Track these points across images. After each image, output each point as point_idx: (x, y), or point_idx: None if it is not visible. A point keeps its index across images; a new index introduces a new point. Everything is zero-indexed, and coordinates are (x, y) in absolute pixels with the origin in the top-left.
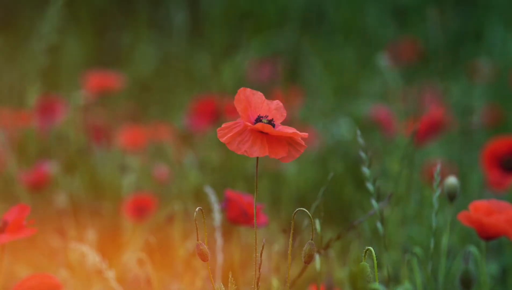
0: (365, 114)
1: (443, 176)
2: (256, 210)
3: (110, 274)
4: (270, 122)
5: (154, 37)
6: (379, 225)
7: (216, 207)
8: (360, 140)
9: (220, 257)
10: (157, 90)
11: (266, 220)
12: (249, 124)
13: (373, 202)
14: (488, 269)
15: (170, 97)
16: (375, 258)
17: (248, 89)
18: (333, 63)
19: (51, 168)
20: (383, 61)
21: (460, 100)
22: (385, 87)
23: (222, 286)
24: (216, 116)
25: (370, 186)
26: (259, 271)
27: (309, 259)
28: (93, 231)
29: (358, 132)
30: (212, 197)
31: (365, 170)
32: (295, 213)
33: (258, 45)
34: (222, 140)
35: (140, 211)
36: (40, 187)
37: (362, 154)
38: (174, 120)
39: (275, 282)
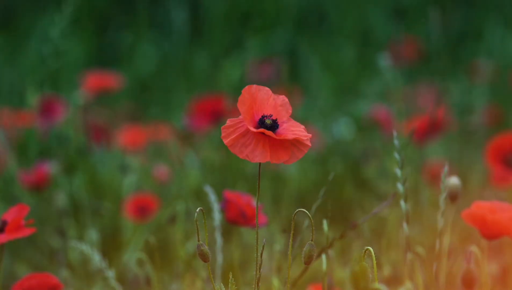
0: (365, 114)
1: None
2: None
3: (110, 274)
4: (274, 122)
5: (154, 37)
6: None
7: (216, 206)
8: (396, 142)
9: (220, 257)
10: (157, 90)
11: (266, 220)
12: (252, 128)
13: (402, 203)
14: (488, 269)
15: (170, 97)
16: (374, 258)
17: (254, 86)
18: (333, 63)
19: (51, 168)
20: (383, 61)
21: (460, 100)
22: (385, 87)
23: (223, 286)
24: (216, 116)
25: (400, 187)
26: (259, 272)
27: (309, 260)
28: (93, 231)
29: (395, 134)
30: (212, 197)
31: (398, 171)
32: (295, 213)
33: (258, 45)
34: (225, 141)
35: (142, 211)
36: (40, 187)
37: (396, 156)
38: (174, 120)
39: (275, 282)
